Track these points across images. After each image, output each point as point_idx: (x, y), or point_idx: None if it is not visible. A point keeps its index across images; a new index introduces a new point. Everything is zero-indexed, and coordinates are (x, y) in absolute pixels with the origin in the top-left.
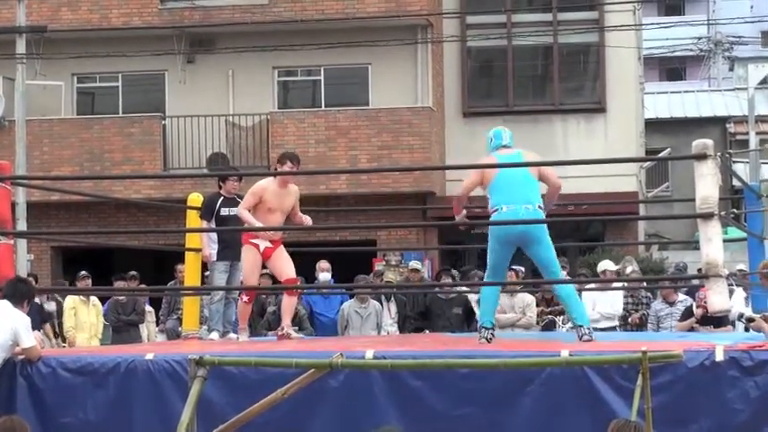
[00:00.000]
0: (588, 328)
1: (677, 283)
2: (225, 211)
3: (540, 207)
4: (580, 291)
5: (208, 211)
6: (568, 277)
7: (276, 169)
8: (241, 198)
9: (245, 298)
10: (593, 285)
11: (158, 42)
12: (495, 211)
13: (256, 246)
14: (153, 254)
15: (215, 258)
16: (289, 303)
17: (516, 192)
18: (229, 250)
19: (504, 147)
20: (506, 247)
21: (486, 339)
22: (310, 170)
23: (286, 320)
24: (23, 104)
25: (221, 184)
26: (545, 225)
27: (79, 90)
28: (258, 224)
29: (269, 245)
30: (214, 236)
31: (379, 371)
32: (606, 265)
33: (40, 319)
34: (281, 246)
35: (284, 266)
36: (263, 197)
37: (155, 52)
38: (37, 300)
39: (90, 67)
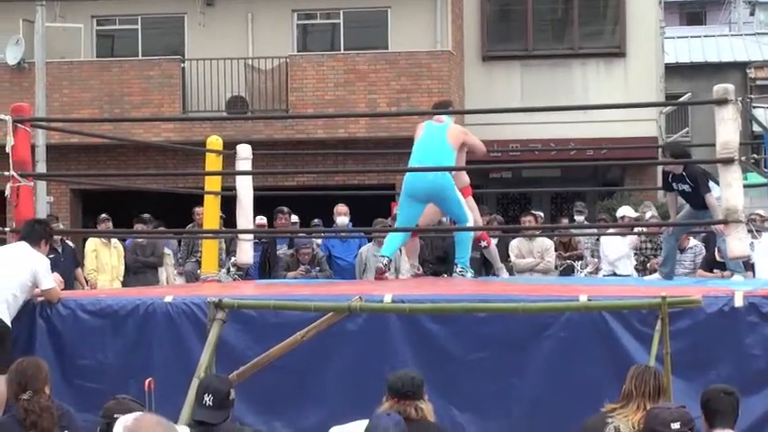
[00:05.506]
0: (462, 268)
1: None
2: None
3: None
4: (599, 235)
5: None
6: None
7: None
8: None
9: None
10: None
11: None
12: None
13: None
14: (172, 196)
15: None
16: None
17: (428, 155)
18: None
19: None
20: (414, 202)
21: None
22: (329, 113)
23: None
24: (43, 47)
25: None
26: (452, 184)
27: (98, 33)
28: None
29: None
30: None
31: (397, 314)
32: (625, 210)
33: (73, 263)
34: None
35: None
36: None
37: None
38: (70, 243)
39: (109, 9)
